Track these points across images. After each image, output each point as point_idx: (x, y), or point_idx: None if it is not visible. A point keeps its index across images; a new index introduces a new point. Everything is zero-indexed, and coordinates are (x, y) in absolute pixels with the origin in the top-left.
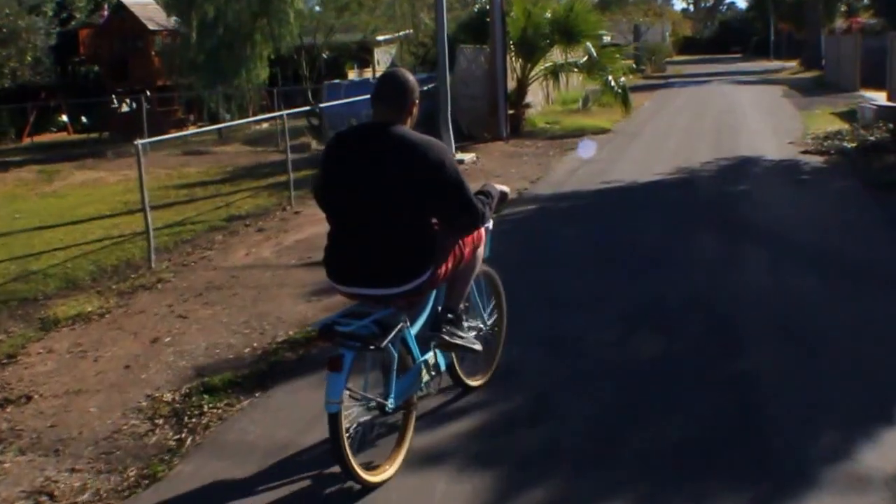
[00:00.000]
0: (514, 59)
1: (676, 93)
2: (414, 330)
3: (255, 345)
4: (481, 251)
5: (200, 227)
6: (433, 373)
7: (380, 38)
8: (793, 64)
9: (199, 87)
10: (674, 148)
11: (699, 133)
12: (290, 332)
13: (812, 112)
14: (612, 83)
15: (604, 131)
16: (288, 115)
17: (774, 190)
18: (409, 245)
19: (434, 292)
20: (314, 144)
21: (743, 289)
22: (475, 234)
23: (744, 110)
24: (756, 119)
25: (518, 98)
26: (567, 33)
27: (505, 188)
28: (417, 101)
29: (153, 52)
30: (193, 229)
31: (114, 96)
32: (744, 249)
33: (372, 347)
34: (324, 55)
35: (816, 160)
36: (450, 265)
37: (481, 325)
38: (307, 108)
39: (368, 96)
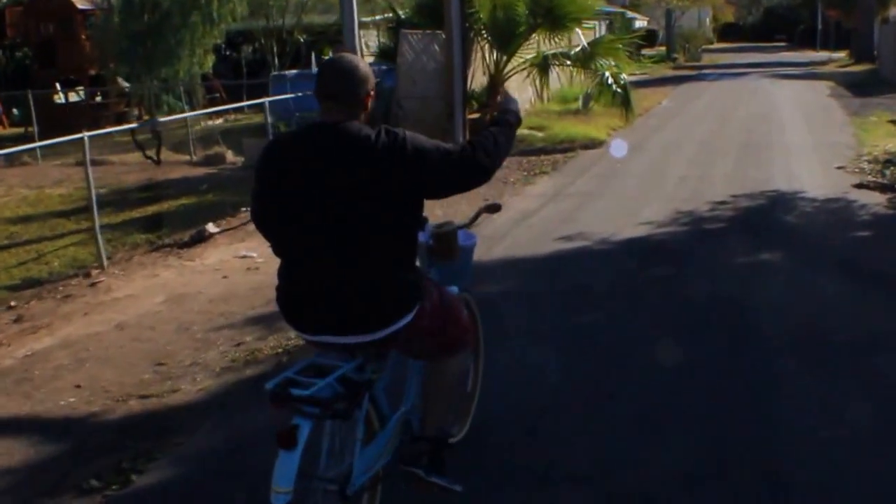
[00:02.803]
0: (486, 48)
1: (705, 88)
2: (382, 382)
3: None
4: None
5: None
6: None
7: (362, 19)
8: (841, 55)
9: (123, 76)
10: (680, 175)
11: (719, 150)
12: None
13: (866, 119)
14: (611, 81)
15: (595, 144)
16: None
17: (811, 267)
18: (383, 275)
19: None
20: (230, 155)
21: None
22: (464, 322)
23: (781, 116)
24: (796, 129)
25: (490, 98)
26: (551, 16)
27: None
28: (373, 93)
29: (84, 36)
30: None
31: (58, 85)
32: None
33: (334, 414)
34: (301, 39)
35: (875, 200)
36: (436, 323)
37: None
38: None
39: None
